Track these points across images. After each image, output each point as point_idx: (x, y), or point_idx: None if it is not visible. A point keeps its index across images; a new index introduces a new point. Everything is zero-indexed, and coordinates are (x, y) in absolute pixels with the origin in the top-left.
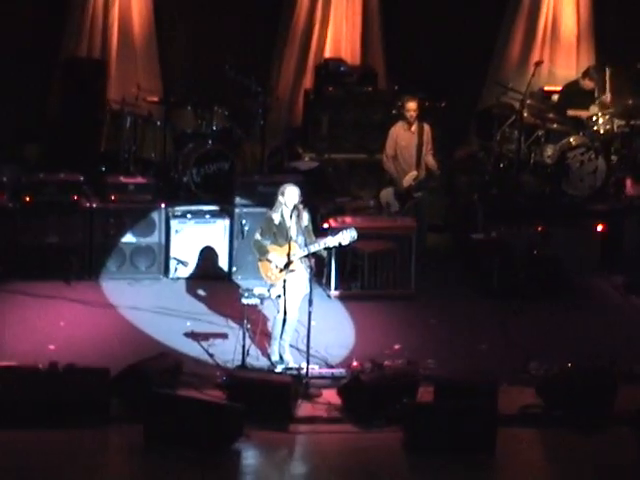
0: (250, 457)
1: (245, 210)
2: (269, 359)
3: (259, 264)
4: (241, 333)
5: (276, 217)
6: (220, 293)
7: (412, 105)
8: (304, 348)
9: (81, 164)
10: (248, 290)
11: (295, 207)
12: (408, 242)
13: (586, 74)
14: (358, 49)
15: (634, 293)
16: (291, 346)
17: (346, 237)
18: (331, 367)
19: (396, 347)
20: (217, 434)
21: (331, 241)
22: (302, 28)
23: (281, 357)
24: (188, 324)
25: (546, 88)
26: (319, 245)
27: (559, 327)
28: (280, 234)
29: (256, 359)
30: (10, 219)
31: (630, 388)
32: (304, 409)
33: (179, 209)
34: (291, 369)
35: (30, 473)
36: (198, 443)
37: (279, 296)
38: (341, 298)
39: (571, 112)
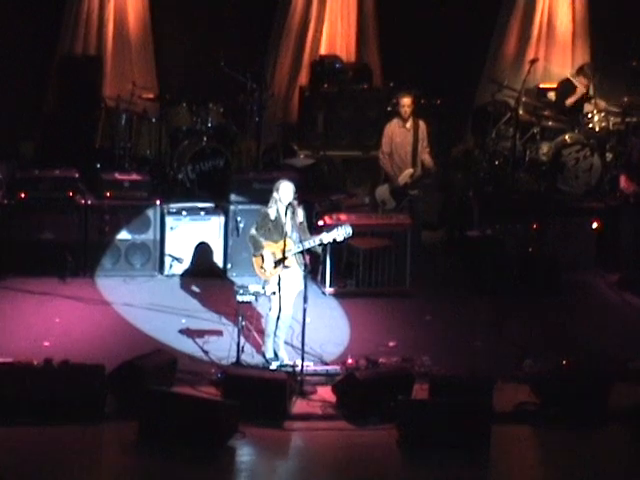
0: (245, 454)
1: (240, 207)
2: (264, 356)
3: (254, 259)
4: (236, 330)
5: (272, 212)
6: (215, 290)
7: (406, 100)
8: (299, 345)
9: (76, 161)
10: (243, 287)
11: (290, 204)
12: (403, 239)
13: (580, 71)
14: (353, 46)
15: (629, 290)
16: (286, 343)
17: (341, 233)
18: (326, 364)
19: (391, 344)
20: (212, 431)
21: (326, 237)
22: (297, 25)
23: (276, 354)
24: (183, 321)
25: (541, 86)
26: (314, 241)
27: (554, 324)
28: (275, 230)
29: (251, 356)
30: (5, 215)
31: (624, 385)
32: (299, 406)
33: (174, 206)
34: (286, 366)
35: (24, 469)
36: (193, 440)
37: (274, 293)
38: (336, 295)
39: (570, 100)
